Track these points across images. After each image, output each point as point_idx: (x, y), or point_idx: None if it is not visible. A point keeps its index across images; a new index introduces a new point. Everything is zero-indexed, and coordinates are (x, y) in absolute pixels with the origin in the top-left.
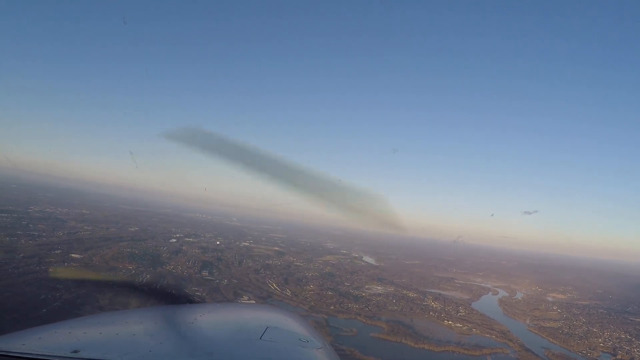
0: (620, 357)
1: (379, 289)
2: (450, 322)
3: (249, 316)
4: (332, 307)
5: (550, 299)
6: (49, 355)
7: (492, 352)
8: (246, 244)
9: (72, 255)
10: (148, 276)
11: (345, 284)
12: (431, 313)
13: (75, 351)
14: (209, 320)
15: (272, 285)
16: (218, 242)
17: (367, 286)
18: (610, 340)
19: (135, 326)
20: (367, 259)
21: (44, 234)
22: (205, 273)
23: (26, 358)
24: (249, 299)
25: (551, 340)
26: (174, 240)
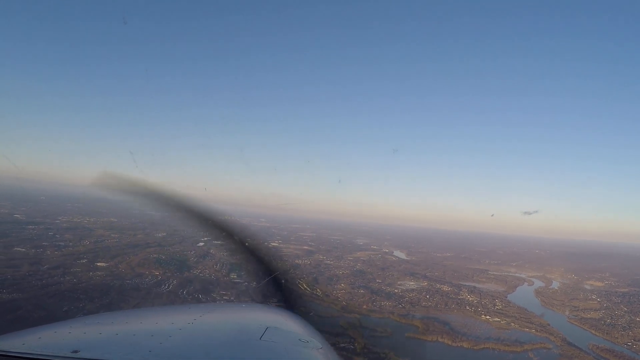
0: None
1: (412, 284)
2: (487, 317)
3: (248, 316)
4: (364, 306)
5: (587, 287)
6: (49, 355)
7: (534, 347)
8: (275, 244)
9: (98, 263)
10: (175, 282)
11: (377, 280)
12: (467, 307)
13: (75, 351)
14: (209, 320)
15: (302, 286)
16: (247, 244)
17: (399, 282)
18: None
19: (135, 326)
20: (398, 253)
21: (70, 243)
22: (233, 276)
23: (26, 358)
24: (278, 301)
25: (593, 332)
26: (202, 243)
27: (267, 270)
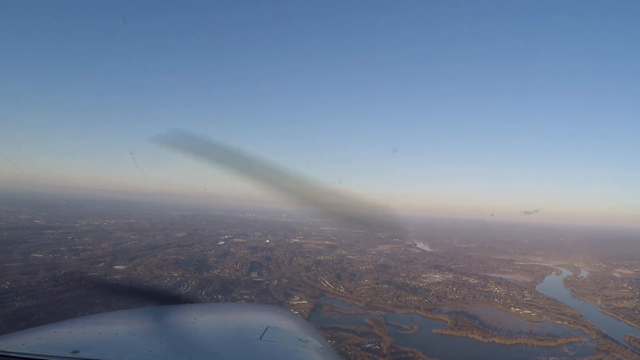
0: None
1: (437, 277)
2: (517, 309)
3: (249, 316)
4: (389, 302)
5: (617, 275)
6: (49, 355)
7: (568, 341)
8: (296, 240)
9: (116, 266)
10: (194, 282)
11: (401, 274)
12: (495, 300)
13: (75, 351)
14: (209, 320)
15: (325, 283)
16: (267, 241)
17: (424, 275)
18: None
19: (135, 326)
20: (421, 245)
21: (89, 247)
22: (254, 274)
23: (26, 358)
24: (300, 300)
25: (628, 322)
26: (222, 242)
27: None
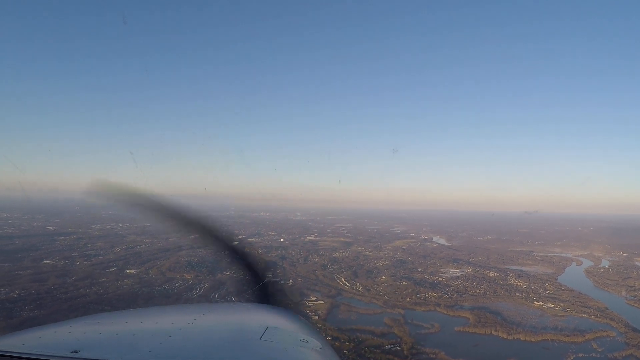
0: None
1: (456, 271)
2: (540, 303)
3: (248, 316)
4: (408, 299)
5: (639, 264)
6: (49, 355)
7: (596, 336)
8: (311, 237)
9: (128, 270)
10: (206, 285)
11: (419, 270)
12: (517, 294)
13: (75, 351)
14: (209, 320)
15: (341, 281)
16: (282, 240)
17: (442, 270)
18: None
19: (135, 326)
20: (438, 239)
21: (101, 252)
22: (269, 274)
23: (26, 358)
24: (316, 300)
25: None
26: (236, 242)
27: (254, 271)
